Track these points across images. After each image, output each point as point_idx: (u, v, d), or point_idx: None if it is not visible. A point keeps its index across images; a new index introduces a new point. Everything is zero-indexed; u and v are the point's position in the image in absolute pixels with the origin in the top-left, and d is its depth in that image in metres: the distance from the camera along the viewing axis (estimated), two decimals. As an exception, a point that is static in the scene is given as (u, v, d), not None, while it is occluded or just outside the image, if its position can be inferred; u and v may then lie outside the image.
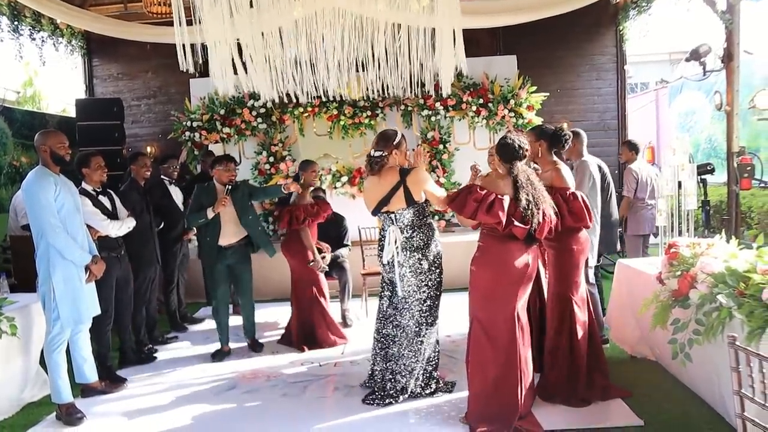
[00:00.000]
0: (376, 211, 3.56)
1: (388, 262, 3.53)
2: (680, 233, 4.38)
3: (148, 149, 7.76)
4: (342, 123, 7.16)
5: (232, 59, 4.00)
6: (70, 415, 3.48)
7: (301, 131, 7.26)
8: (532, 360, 3.21)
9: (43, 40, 7.36)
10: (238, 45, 4.02)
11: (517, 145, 3.09)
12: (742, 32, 5.63)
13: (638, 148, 5.96)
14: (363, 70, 4.56)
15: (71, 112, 8.41)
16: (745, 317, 2.72)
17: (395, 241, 3.46)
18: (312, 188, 4.91)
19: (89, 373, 3.78)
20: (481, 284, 3.14)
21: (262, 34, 4.13)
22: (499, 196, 3.03)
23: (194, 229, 4.94)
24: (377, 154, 3.51)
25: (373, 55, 4.42)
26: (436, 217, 6.96)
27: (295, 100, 4.78)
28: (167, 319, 5.40)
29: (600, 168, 4.50)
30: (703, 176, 6.01)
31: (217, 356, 4.57)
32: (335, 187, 7.07)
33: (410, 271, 3.46)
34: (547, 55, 7.89)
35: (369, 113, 7.10)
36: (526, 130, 4.70)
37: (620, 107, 8.17)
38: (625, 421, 3.15)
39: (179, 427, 3.40)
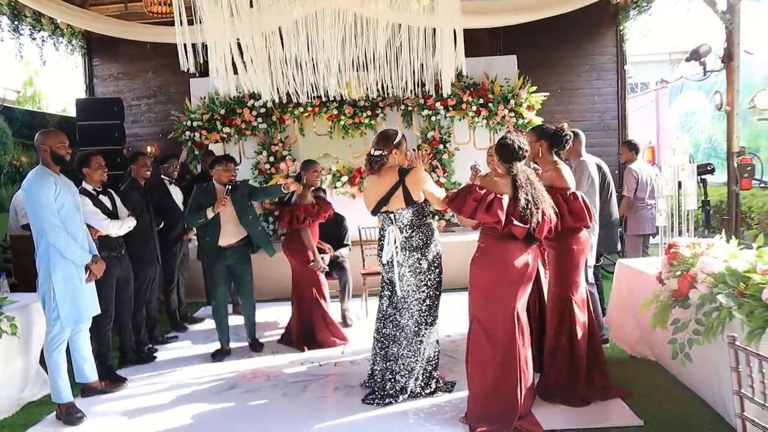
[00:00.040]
0: (375, 211, 3.56)
1: (388, 262, 3.53)
2: (680, 233, 4.38)
3: (149, 149, 7.76)
4: (342, 123, 7.15)
5: (233, 59, 4.00)
6: (70, 414, 3.48)
7: (302, 131, 7.26)
8: (532, 360, 3.21)
9: (43, 40, 7.36)
10: (239, 45, 4.03)
11: (516, 146, 3.09)
12: (742, 32, 5.62)
13: (638, 148, 5.96)
14: (363, 70, 4.56)
15: (71, 112, 8.41)
16: (745, 317, 2.72)
17: (394, 241, 3.47)
18: (312, 188, 4.92)
19: (89, 372, 3.79)
20: (480, 284, 3.14)
21: (263, 34, 4.13)
22: (498, 196, 3.03)
23: (194, 229, 4.94)
24: (377, 153, 3.51)
25: (374, 55, 4.42)
26: (436, 217, 6.97)
27: (295, 100, 4.79)
28: (167, 319, 5.40)
29: (599, 167, 4.50)
30: (703, 176, 6.01)
31: (217, 356, 4.57)
32: (335, 187, 7.07)
33: (409, 271, 3.46)
34: (547, 55, 7.88)
35: (369, 113, 7.10)
36: (527, 130, 4.69)
37: (620, 107, 8.16)
38: (624, 421, 3.15)
39: (179, 427, 3.40)
